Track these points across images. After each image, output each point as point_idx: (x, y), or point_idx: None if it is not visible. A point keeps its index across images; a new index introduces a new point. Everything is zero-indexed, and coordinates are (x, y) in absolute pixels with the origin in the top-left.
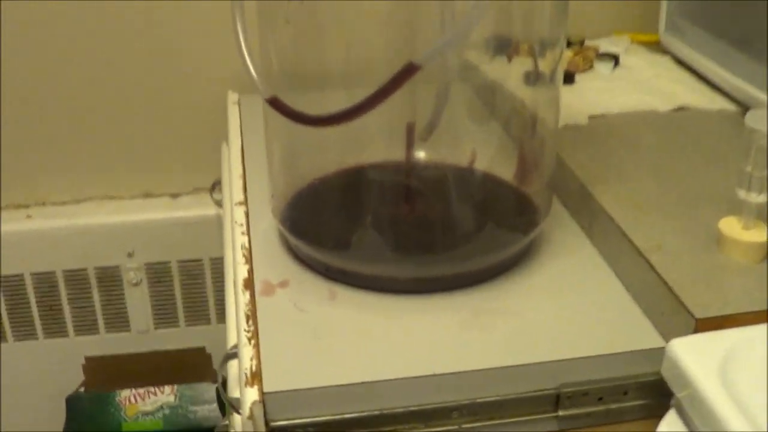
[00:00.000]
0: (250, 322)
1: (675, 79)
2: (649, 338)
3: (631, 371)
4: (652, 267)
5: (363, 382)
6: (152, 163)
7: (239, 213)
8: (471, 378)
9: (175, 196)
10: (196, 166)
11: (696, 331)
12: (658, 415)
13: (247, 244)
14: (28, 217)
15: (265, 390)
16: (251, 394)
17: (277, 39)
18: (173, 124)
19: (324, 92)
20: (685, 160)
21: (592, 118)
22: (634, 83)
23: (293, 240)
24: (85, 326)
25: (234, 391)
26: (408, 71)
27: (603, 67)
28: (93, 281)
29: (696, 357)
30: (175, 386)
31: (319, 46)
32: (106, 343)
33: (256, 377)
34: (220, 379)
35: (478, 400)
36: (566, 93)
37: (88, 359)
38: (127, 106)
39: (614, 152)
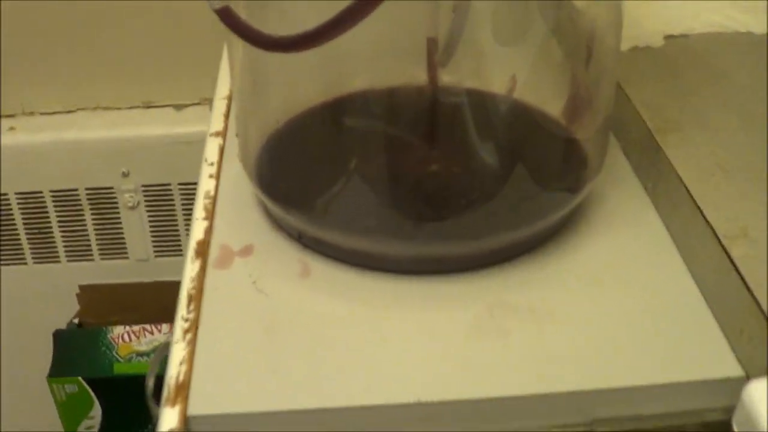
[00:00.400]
0: (192, 305)
1: None
2: (721, 364)
3: (690, 407)
4: (732, 262)
5: (329, 408)
6: (153, 69)
7: (213, 147)
8: (474, 408)
9: (178, 107)
10: (203, 73)
11: None
12: None
13: (212, 192)
14: (12, 129)
15: (190, 412)
16: (170, 418)
17: None
18: (178, 24)
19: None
20: None
21: (668, 38)
22: None
23: (261, 196)
24: (79, 252)
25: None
26: None
27: None
28: (85, 203)
29: None
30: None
31: None
32: (102, 271)
33: (181, 392)
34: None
35: None
36: (637, 3)
37: (83, 288)
38: (126, 4)
39: (694, 87)
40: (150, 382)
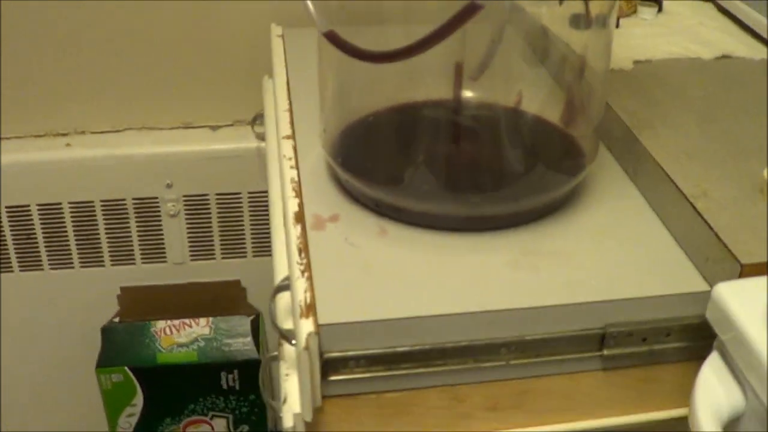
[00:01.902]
0: (303, 255)
1: (718, 27)
2: (693, 282)
3: (674, 314)
4: (698, 212)
5: (414, 317)
6: (192, 95)
7: (287, 147)
8: (519, 315)
9: (214, 128)
10: (237, 98)
11: (741, 276)
12: (698, 357)
13: (296, 178)
14: (68, 145)
15: (320, 322)
16: (306, 326)
17: None
18: (214, 56)
19: (378, 28)
20: (729, 109)
21: (637, 63)
22: (678, 30)
23: (344, 175)
24: (122, 256)
25: (284, 323)
26: (469, 11)
27: (647, 12)
28: (131, 212)
29: (741, 301)
30: (210, 319)
31: None
32: (142, 274)
33: (310, 309)
34: (271, 311)
35: (526, 338)
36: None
37: (124, 289)
38: (169, 36)
39: (659, 98)
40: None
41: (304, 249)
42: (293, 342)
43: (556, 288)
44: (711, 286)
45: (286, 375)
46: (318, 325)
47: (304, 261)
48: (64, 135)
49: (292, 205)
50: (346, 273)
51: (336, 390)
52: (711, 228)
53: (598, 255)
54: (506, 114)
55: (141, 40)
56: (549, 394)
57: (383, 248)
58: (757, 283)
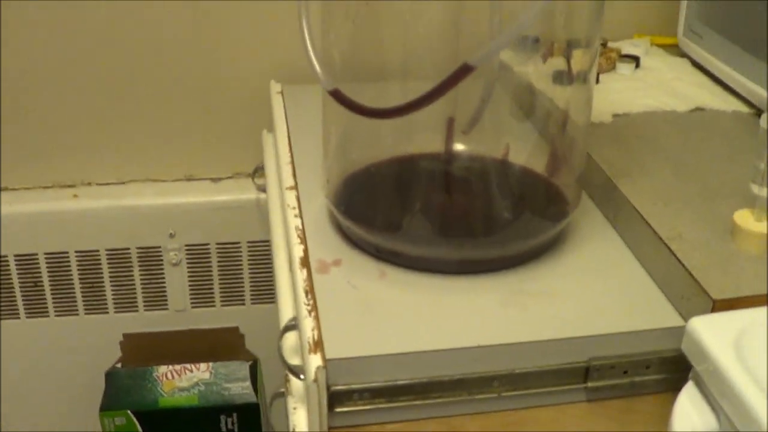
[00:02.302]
0: (309, 296)
1: (692, 82)
2: (670, 318)
3: (653, 347)
4: (672, 253)
5: (412, 352)
6: (194, 148)
7: (291, 197)
8: (509, 350)
9: (215, 180)
10: (237, 151)
11: (713, 311)
12: (677, 387)
13: (300, 226)
14: (75, 196)
15: (327, 357)
16: (315, 361)
17: (339, 35)
18: (216, 111)
19: (378, 85)
20: (702, 158)
21: (615, 116)
22: (655, 84)
23: (346, 222)
24: (125, 304)
25: (291, 360)
26: (463, 71)
27: (625, 68)
28: (135, 260)
29: (713, 333)
30: (210, 364)
31: (377, 42)
32: (144, 321)
33: (318, 345)
34: (279, 350)
35: (517, 371)
36: None
37: (126, 336)
38: (172, 93)
39: (637, 149)
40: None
41: (310, 291)
42: (302, 377)
43: (543, 324)
44: (686, 321)
45: (294, 408)
46: (325, 360)
47: (311, 302)
48: (71, 186)
49: (298, 251)
50: (349, 312)
51: (341, 421)
52: (685, 267)
53: (582, 294)
54: (495, 165)
55: (144, 95)
56: (537, 424)
57: (383, 290)
58: (728, 317)
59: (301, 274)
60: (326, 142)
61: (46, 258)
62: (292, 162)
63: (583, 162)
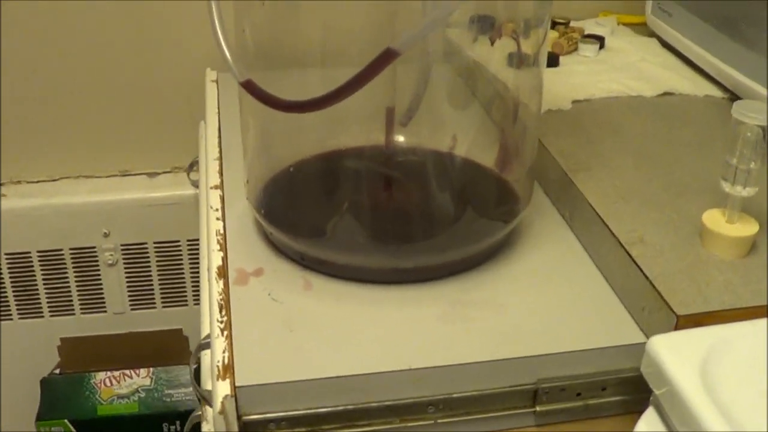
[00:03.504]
0: (224, 312)
1: (661, 63)
2: (630, 333)
3: (610, 366)
4: (633, 260)
5: (337, 377)
6: (129, 141)
7: (214, 197)
8: (448, 373)
9: (152, 175)
10: (175, 144)
11: (677, 327)
12: (636, 410)
13: (222, 230)
14: (3, 196)
15: (237, 384)
16: (223, 388)
17: (252, 19)
18: (151, 102)
19: (302, 72)
20: (670, 148)
21: (575, 102)
22: (620, 67)
23: (268, 227)
24: (61, 307)
25: (207, 383)
26: (385, 57)
27: (588, 50)
28: (69, 262)
29: (676, 355)
30: (151, 369)
31: (295, 25)
32: (82, 324)
33: (227, 370)
34: (192, 371)
35: (455, 395)
36: (550, 76)
37: (64, 340)
38: (104, 82)
39: (598, 139)
40: (192, 369)
41: (225, 306)
42: (212, 405)
43: (486, 342)
44: (647, 337)
45: None
46: (235, 388)
47: (224, 319)
48: None
49: (216, 259)
50: (267, 331)
51: None
52: (646, 277)
53: (532, 305)
54: (435, 159)
55: (76, 87)
56: None
57: (307, 303)
58: (693, 335)
59: (216, 286)
60: (245, 139)
61: None
62: (221, 158)
63: (534, 153)
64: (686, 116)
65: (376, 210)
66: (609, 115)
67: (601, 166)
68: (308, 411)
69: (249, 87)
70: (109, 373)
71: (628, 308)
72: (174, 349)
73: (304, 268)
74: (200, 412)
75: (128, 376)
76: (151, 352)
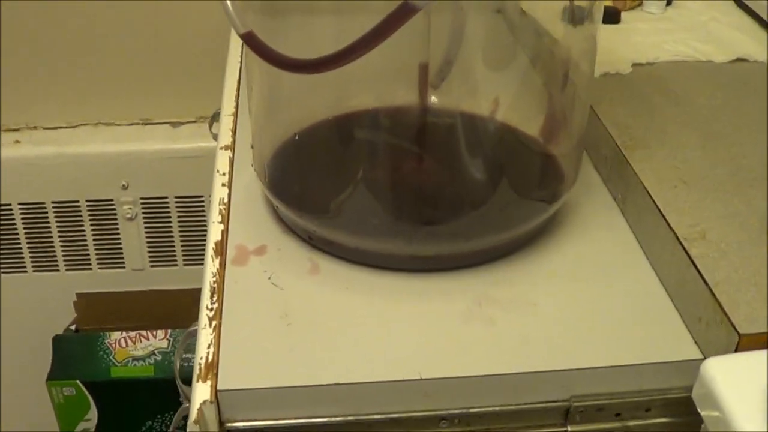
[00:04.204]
0: (215, 297)
1: (735, 25)
2: (682, 348)
3: (656, 385)
4: (692, 261)
5: (337, 384)
6: (152, 88)
7: (223, 159)
8: (465, 385)
9: (175, 124)
10: (201, 92)
11: (738, 348)
12: None
13: (226, 199)
14: (17, 142)
15: (220, 387)
16: (202, 392)
17: None
18: (176, 46)
19: (313, 20)
20: (741, 126)
21: (636, 66)
22: (688, 27)
23: (273, 200)
24: (77, 261)
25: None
26: (403, 12)
27: (653, 6)
28: (85, 214)
29: (735, 382)
30: (169, 330)
31: None
32: (99, 280)
33: (210, 369)
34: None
35: (473, 410)
36: (608, 34)
37: (80, 296)
38: (128, 25)
39: (659, 110)
40: (177, 363)
41: (218, 290)
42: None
43: (512, 349)
44: (704, 353)
45: None
46: (216, 392)
47: (215, 306)
48: (14, 131)
49: (215, 233)
50: (262, 322)
51: None
52: (706, 283)
53: (569, 306)
54: (468, 126)
55: (98, 29)
56: None
57: (310, 291)
58: (756, 359)
59: (212, 265)
60: (250, 98)
61: None
62: (236, 114)
63: (585, 123)
64: (761, 87)
65: (395, 185)
66: (673, 83)
67: (661, 144)
68: (301, 420)
69: (250, 41)
70: (124, 334)
71: (683, 317)
72: (194, 310)
73: (311, 249)
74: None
75: (144, 337)
76: (170, 311)
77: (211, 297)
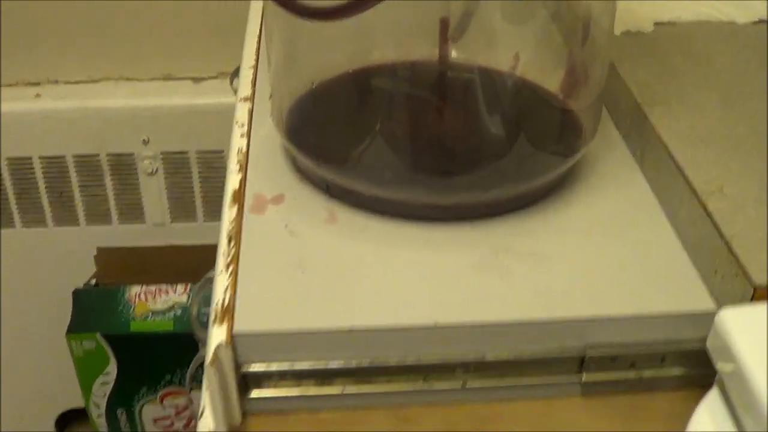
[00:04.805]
0: (232, 243)
1: None
2: (697, 299)
3: (671, 335)
4: (708, 214)
5: (354, 329)
6: (174, 43)
7: (243, 111)
8: (482, 332)
9: (197, 80)
10: (223, 48)
11: (754, 299)
12: (699, 386)
13: (244, 149)
14: (38, 96)
15: (236, 329)
16: (218, 335)
17: None
18: (199, 1)
19: None
20: (762, 86)
21: (658, 25)
22: None
23: (291, 149)
24: (98, 216)
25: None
26: None
27: None
28: (105, 168)
29: (749, 332)
30: (189, 285)
31: None
32: (119, 234)
33: (227, 313)
34: (190, 309)
35: (488, 358)
36: None
37: (100, 250)
38: None
39: (679, 69)
40: (194, 310)
41: (235, 237)
42: None
43: (528, 298)
44: (719, 305)
45: (205, 387)
46: (231, 335)
47: (233, 251)
48: (34, 84)
49: (233, 182)
50: (278, 269)
51: (259, 407)
52: (722, 235)
53: (586, 258)
54: (488, 79)
55: None
56: (516, 420)
57: (328, 238)
58: None
59: (229, 213)
60: (269, 45)
61: (7, 164)
62: (256, 66)
63: (604, 79)
64: None
65: (415, 135)
66: (694, 43)
67: (681, 102)
68: (318, 365)
69: None
70: (144, 288)
71: (699, 269)
72: (214, 265)
73: (329, 199)
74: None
75: (164, 292)
76: (191, 267)
77: (228, 243)
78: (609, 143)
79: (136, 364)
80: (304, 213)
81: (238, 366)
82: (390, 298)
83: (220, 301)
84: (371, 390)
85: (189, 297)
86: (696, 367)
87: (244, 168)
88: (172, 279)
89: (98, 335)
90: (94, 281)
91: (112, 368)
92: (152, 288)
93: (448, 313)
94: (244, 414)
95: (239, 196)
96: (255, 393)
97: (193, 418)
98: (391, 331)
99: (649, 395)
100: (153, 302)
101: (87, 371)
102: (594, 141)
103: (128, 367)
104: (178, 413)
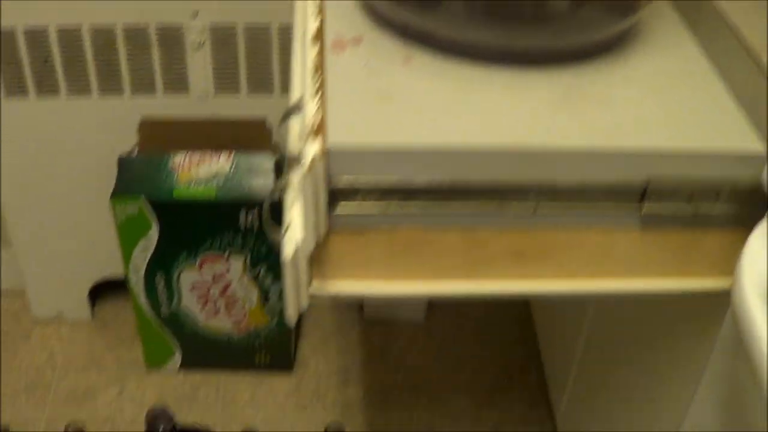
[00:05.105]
0: (318, 74)
1: None
2: (752, 143)
3: (725, 173)
4: (761, 68)
5: (435, 147)
6: None
7: None
8: (554, 158)
9: None
10: None
11: None
12: (749, 225)
13: None
14: None
15: (329, 143)
16: (313, 146)
17: None
18: None
19: None
20: None
21: None
22: None
23: None
24: (143, 86)
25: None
26: None
27: None
28: (153, 39)
29: None
30: (232, 154)
31: None
32: (163, 105)
33: (320, 130)
34: (279, 132)
35: (559, 184)
36: None
37: (144, 120)
38: None
39: None
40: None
41: (319, 68)
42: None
43: (596, 132)
44: None
45: (292, 202)
46: (326, 147)
47: (319, 80)
48: None
49: (313, 24)
50: (362, 97)
51: (343, 221)
52: None
53: (647, 103)
54: None
55: None
56: (580, 248)
57: (406, 76)
58: None
59: (312, 50)
60: None
61: (57, 32)
62: None
63: None
64: None
65: None
66: None
67: None
68: (401, 183)
69: None
70: (188, 155)
71: (752, 119)
72: (256, 140)
73: (406, 42)
74: (284, 180)
75: (207, 162)
76: (233, 140)
77: (315, 73)
78: (662, 12)
79: (177, 230)
80: (382, 54)
81: (329, 179)
82: (468, 124)
83: (312, 121)
84: (448, 210)
85: (231, 166)
86: (747, 207)
87: (321, 12)
88: (214, 151)
89: (142, 199)
90: (136, 150)
91: (154, 233)
92: (196, 156)
93: (523, 139)
94: (328, 232)
95: (320, 36)
96: (341, 207)
97: (229, 285)
98: (473, 153)
99: (702, 233)
100: (196, 170)
101: (129, 236)
102: (650, 6)
103: (169, 232)
104: (215, 280)
